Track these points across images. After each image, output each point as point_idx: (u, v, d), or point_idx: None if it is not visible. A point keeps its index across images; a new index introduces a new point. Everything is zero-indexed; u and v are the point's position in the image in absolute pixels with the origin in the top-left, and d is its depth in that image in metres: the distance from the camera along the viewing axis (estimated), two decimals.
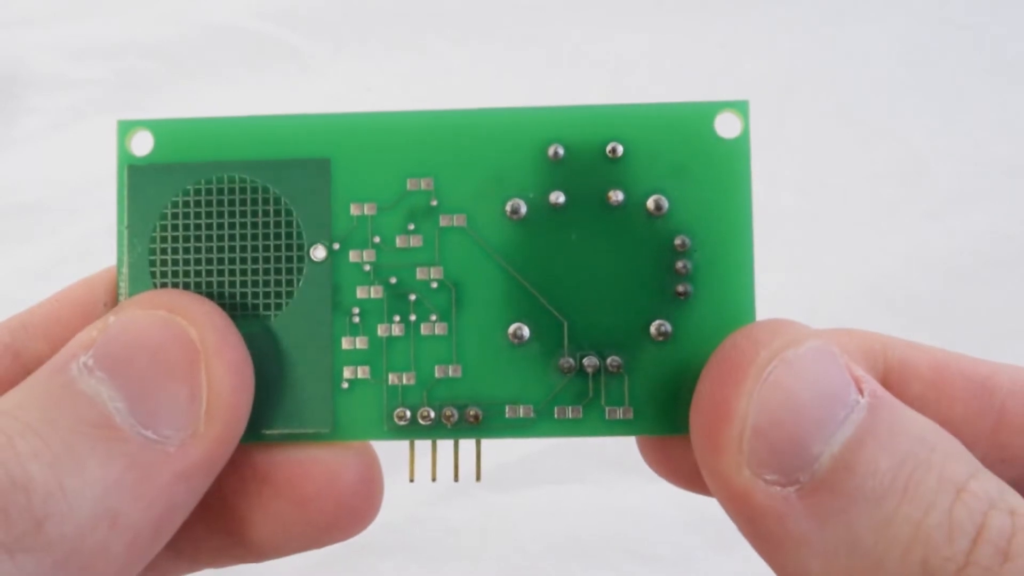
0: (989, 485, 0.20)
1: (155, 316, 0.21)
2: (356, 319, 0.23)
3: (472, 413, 0.23)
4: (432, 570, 0.44)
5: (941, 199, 0.52)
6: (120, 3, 0.61)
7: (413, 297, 0.23)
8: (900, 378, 0.23)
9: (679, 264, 0.23)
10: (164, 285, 0.23)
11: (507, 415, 0.23)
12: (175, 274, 0.23)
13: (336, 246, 0.23)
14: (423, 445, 0.23)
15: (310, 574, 0.42)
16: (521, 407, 0.23)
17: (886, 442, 0.20)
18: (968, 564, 0.19)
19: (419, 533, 0.44)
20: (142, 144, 0.23)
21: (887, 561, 0.19)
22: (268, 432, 0.23)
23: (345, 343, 0.23)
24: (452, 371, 0.23)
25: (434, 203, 0.23)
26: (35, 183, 0.57)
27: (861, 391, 0.21)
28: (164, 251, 0.23)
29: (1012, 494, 0.20)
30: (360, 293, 0.23)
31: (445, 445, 0.23)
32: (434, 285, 0.23)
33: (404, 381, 0.23)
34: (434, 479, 0.23)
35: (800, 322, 0.22)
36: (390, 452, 0.24)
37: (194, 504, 0.22)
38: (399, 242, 0.23)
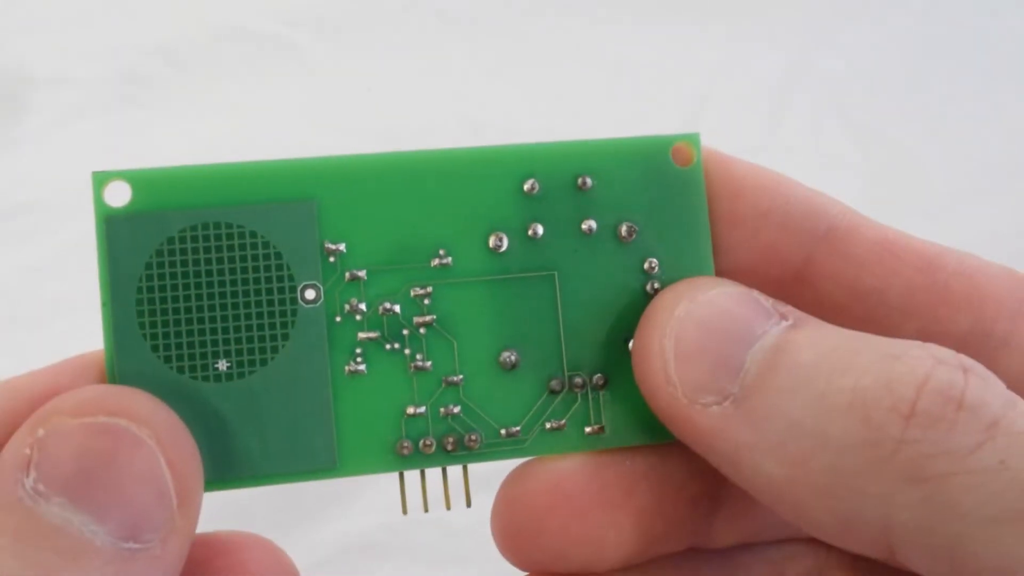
0: (937, 349, 0.20)
1: (95, 424, 0.20)
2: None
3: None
4: (431, 572, 0.44)
5: (939, 199, 0.53)
6: (122, 2, 0.61)
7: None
8: (843, 237, 0.24)
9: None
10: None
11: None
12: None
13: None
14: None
15: (308, 574, 0.43)
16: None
17: (808, 342, 0.21)
18: (915, 414, 0.19)
19: (418, 536, 0.44)
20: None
21: (829, 432, 0.20)
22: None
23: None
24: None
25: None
26: (36, 182, 0.56)
27: (786, 317, 0.22)
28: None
29: (967, 358, 0.20)
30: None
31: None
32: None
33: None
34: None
35: (731, 280, 0.24)
36: None
37: None
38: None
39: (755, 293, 0.23)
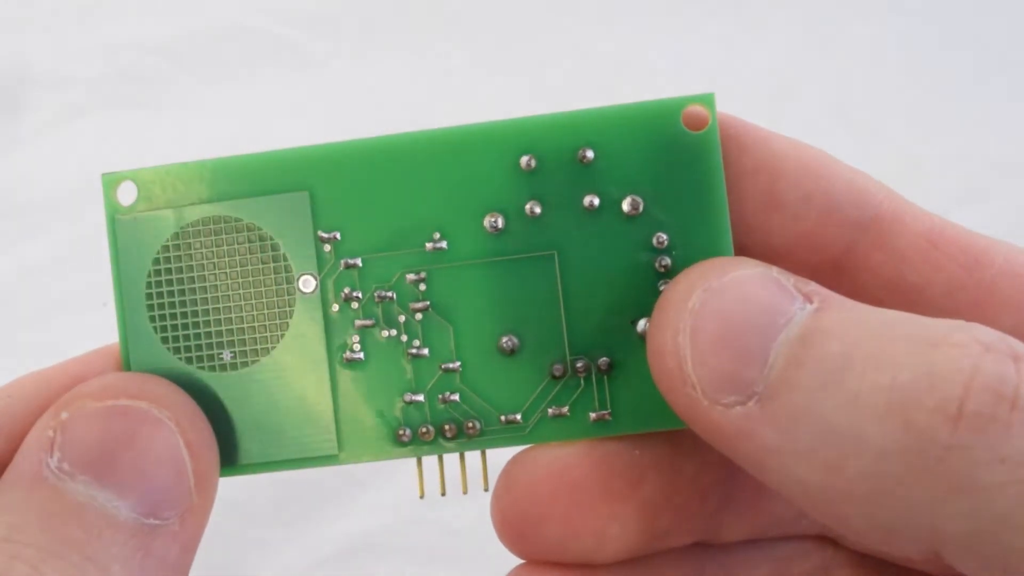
0: (981, 332, 0.18)
1: (117, 407, 0.21)
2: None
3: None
4: (431, 572, 0.44)
5: (939, 199, 0.52)
6: (122, 2, 0.61)
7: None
8: (889, 228, 0.22)
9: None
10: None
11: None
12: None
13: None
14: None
15: (308, 574, 0.43)
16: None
17: (836, 331, 0.19)
18: (963, 415, 0.17)
19: (418, 535, 0.44)
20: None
21: (866, 436, 0.18)
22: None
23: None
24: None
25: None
26: (36, 182, 0.57)
27: (811, 299, 0.20)
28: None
29: (1016, 341, 0.18)
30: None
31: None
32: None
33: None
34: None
35: (749, 259, 0.22)
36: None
37: (190, 567, 0.22)
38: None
39: (775, 271, 0.21)
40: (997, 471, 0.17)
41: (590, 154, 0.23)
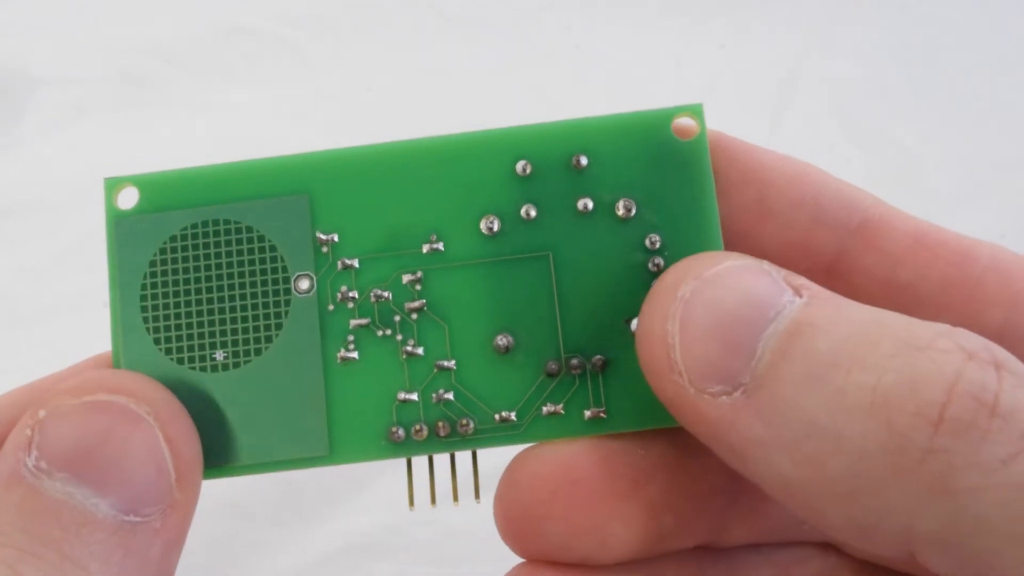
0: (965, 339, 0.18)
1: (95, 402, 0.21)
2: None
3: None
4: (430, 572, 0.44)
5: (939, 199, 0.52)
6: (122, 2, 0.61)
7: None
8: (877, 231, 0.23)
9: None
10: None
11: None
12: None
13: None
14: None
15: (308, 574, 0.43)
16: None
17: (825, 327, 0.19)
18: (944, 420, 0.17)
19: (417, 535, 0.44)
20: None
21: (848, 434, 0.18)
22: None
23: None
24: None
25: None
26: (36, 182, 0.57)
27: (800, 293, 0.20)
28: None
29: (999, 349, 0.18)
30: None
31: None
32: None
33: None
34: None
35: (739, 253, 0.22)
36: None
37: (176, 566, 0.22)
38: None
39: (765, 264, 0.21)
40: (974, 476, 0.17)
41: (584, 160, 0.24)
